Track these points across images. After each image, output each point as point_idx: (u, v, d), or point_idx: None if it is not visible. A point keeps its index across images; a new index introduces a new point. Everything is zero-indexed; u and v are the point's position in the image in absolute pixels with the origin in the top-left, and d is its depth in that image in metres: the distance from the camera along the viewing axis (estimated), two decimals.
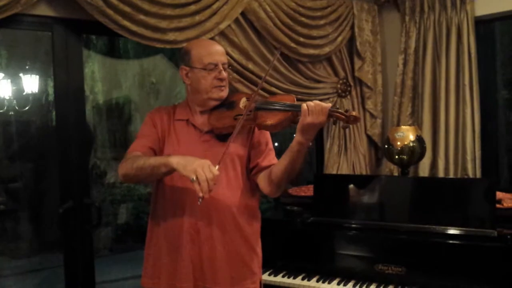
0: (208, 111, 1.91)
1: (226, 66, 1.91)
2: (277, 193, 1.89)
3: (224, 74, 1.88)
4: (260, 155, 1.91)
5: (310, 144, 1.74)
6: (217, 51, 1.90)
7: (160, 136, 1.91)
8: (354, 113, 1.69)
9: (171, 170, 1.69)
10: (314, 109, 1.64)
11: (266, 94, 2.78)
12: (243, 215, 1.89)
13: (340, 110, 1.70)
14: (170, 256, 1.87)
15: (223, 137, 1.87)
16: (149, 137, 1.90)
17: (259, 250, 1.98)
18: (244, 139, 1.91)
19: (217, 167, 1.63)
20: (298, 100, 1.84)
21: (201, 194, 1.58)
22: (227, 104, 1.90)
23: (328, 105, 1.67)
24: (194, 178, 1.58)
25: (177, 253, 1.85)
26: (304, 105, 1.66)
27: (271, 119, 1.77)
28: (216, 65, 1.85)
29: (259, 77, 2.85)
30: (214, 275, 1.84)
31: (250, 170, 1.93)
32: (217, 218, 1.84)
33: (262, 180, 1.89)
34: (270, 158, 1.92)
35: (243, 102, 1.87)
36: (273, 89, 2.91)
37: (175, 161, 1.66)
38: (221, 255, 1.84)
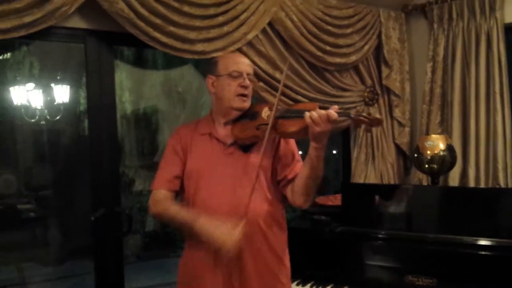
0: (231, 122, 1.93)
1: (251, 77, 1.93)
2: (306, 203, 1.87)
3: (248, 82, 1.90)
4: (287, 168, 1.91)
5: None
6: (243, 62, 1.95)
7: (182, 159, 1.94)
8: (377, 116, 1.69)
9: (197, 233, 1.77)
10: (319, 120, 1.64)
11: (291, 103, 2.79)
12: (270, 226, 1.89)
13: (363, 114, 1.70)
14: (200, 268, 1.88)
15: (246, 148, 1.88)
16: (172, 166, 1.94)
17: (286, 261, 1.98)
18: (268, 150, 1.89)
19: (243, 222, 1.70)
20: (323, 108, 1.82)
21: (226, 259, 1.71)
22: (250, 114, 1.91)
23: (333, 113, 1.64)
24: (222, 249, 1.69)
25: (207, 265, 1.85)
26: (307, 118, 1.65)
27: (293, 126, 1.76)
28: (241, 73, 1.89)
29: (286, 86, 2.86)
30: (243, 286, 1.84)
31: (278, 182, 1.93)
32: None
33: (289, 193, 1.89)
34: (296, 169, 1.91)
35: (265, 111, 1.87)
36: (299, 97, 2.92)
37: (200, 225, 1.76)
38: (250, 267, 1.84)
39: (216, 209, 1.81)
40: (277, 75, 2.82)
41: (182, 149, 1.95)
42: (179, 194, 1.98)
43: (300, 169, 1.90)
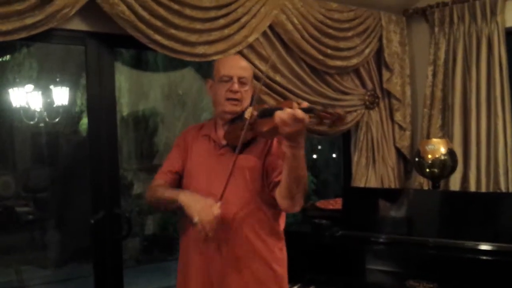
0: (227, 124, 1.94)
1: (245, 80, 1.90)
2: (291, 207, 1.79)
3: (236, 87, 1.87)
4: (275, 171, 1.83)
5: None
6: (235, 65, 1.93)
7: (182, 156, 2.00)
8: (338, 111, 1.58)
9: (180, 206, 1.78)
10: (287, 119, 1.53)
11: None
12: (253, 230, 1.84)
13: (325, 109, 1.58)
14: (183, 275, 1.92)
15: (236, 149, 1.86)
16: (171, 160, 2.02)
17: (277, 267, 1.89)
18: (259, 151, 1.87)
19: (218, 204, 1.71)
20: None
21: (203, 234, 1.70)
22: (240, 116, 1.90)
23: (300, 113, 1.52)
24: (196, 219, 1.69)
25: (188, 271, 1.88)
26: (276, 118, 1.55)
27: (265, 126, 1.68)
28: (230, 77, 1.89)
29: (287, 89, 2.86)
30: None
31: (268, 185, 1.86)
32: (225, 235, 1.80)
33: (277, 197, 1.81)
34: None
35: (248, 111, 1.82)
36: (300, 101, 2.90)
37: (182, 198, 1.79)
38: (232, 273, 1.81)
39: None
40: (278, 78, 2.82)
41: (184, 147, 2.00)
42: None
43: None
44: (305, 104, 1.60)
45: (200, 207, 1.71)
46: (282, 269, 1.91)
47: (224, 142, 1.91)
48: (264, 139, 1.87)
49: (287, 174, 1.69)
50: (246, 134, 1.76)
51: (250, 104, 1.89)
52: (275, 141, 1.89)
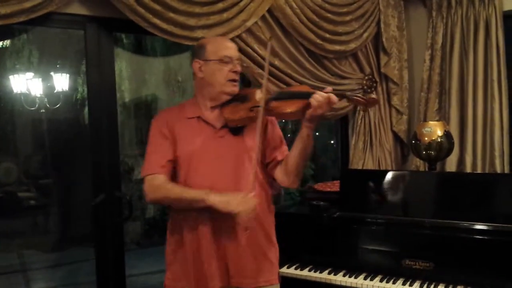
0: (219, 106, 1.92)
1: (240, 62, 1.94)
2: (296, 182, 1.92)
3: (239, 67, 1.91)
4: (276, 150, 1.94)
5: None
6: (232, 47, 1.94)
7: (172, 143, 1.90)
8: (373, 96, 1.74)
9: (210, 206, 1.77)
10: (323, 102, 1.69)
11: (284, 86, 2.81)
12: (261, 207, 1.90)
13: (358, 95, 1.77)
14: (194, 257, 1.88)
15: (237, 130, 1.90)
16: (163, 150, 1.89)
17: (275, 241, 2.02)
18: (255, 133, 1.89)
19: (253, 193, 1.75)
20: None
21: (245, 226, 1.74)
22: (240, 98, 1.91)
23: (335, 97, 1.70)
24: (239, 214, 1.72)
25: (200, 253, 1.87)
26: (313, 100, 1.70)
27: (290, 107, 1.79)
28: (231, 58, 1.88)
29: (285, 73, 2.88)
30: (240, 270, 1.87)
31: (266, 165, 1.96)
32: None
33: (279, 173, 1.93)
34: (284, 151, 1.96)
35: (258, 93, 1.88)
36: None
37: (216, 200, 1.75)
38: (245, 249, 1.87)
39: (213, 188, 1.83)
40: (277, 62, 2.84)
41: (170, 132, 1.91)
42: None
43: (287, 150, 1.96)
44: (329, 89, 1.74)
45: (238, 202, 1.73)
46: (276, 242, 2.03)
47: (220, 124, 1.90)
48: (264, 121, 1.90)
49: (298, 152, 1.84)
50: (263, 116, 1.81)
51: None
52: (269, 123, 1.96)
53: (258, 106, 1.81)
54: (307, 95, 1.75)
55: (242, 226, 1.76)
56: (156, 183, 1.85)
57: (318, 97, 1.69)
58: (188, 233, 1.89)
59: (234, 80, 1.90)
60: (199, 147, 1.87)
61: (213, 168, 1.86)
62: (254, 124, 1.86)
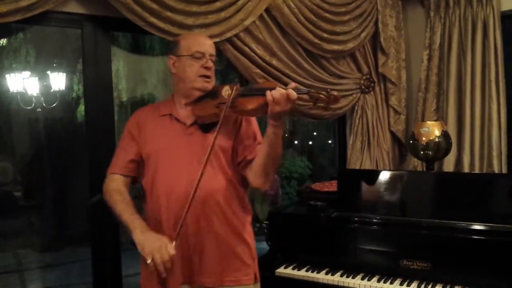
0: (192, 103, 1.90)
1: (213, 58, 1.91)
2: (265, 184, 1.87)
3: (211, 64, 1.88)
4: (247, 149, 1.88)
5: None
6: (206, 43, 1.91)
7: (139, 143, 1.91)
8: (334, 93, 1.66)
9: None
10: (280, 98, 1.63)
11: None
12: (230, 206, 1.88)
13: (318, 91, 1.66)
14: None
15: (206, 127, 1.86)
16: (127, 150, 1.93)
17: (250, 241, 1.96)
18: (229, 130, 1.89)
19: (174, 243, 1.68)
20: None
21: (155, 275, 1.66)
22: (211, 94, 1.89)
23: (293, 93, 1.63)
24: (150, 261, 1.64)
25: None
26: (269, 96, 1.64)
27: (251, 104, 1.73)
28: (203, 53, 1.86)
29: (283, 73, 2.87)
30: (203, 268, 1.83)
31: (238, 164, 1.91)
32: (203, 211, 1.82)
33: (249, 173, 1.87)
34: (256, 151, 1.89)
35: (225, 90, 1.85)
36: (276, 84, 2.91)
37: (137, 237, 1.72)
38: (210, 247, 1.83)
39: (174, 189, 1.81)
40: (274, 62, 2.83)
41: (139, 133, 1.92)
42: (138, 178, 1.98)
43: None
44: (293, 85, 1.68)
45: (155, 247, 1.65)
46: (253, 242, 1.98)
47: (190, 121, 1.88)
48: (232, 119, 1.88)
49: (266, 152, 1.77)
50: (227, 112, 1.77)
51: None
52: (243, 120, 1.92)
53: (224, 103, 1.78)
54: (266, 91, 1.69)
55: (154, 276, 1.70)
56: (110, 187, 1.91)
57: (275, 93, 1.63)
58: (152, 225, 1.83)
59: (206, 76, 1.87)
60: (166, 144, 1.86)
61: (177, 165, 1.83)
62: (226, 121, 1.82)
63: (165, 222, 1.83)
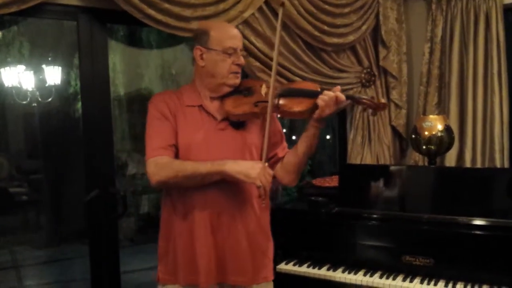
0: (219, 97, 1.84)
1: (243, 52, 1.91)
2: (295, 181, 1.91)
3: (243, 60, 1.84)
4: (277, 146, 1.90)
5: None
6: (237, 35, 1.84)
7: (174, 127, 1.79)
8: (382, 100, 1.76)
9: (227, 177, 1.70)
10: (330, 102, 1.68)
11: (285, 82, 2.76)
12: (259, 205, 1.86)
13: (367, 98, 1.75)
14: (191, 250, 1.80)
15: (238, 125, 1.83)
16: (166, 133, 1.78)
17: (271, 237, 1.98)
18: (258, 128, 1.86)
19: (266, 164, 1.71)
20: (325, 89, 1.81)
21: (263, 196, 1.68)
22: (244, 90, 1.84)
23: (342, 96, 1.69)
24: (259, 183, 1.65)
25: (197, 247, 1.79)
26: (321, 101, 1.69)
27: (298, 106, 1.75)
28: (235, 49, 1.80)
29: (283, 66, 2.83)
30: (237, 267, 1.82)
31: (268, 161, 1.87)
32: (238, 210, 1.81)
33: (280, 171, 1.89)
34: (285, 148, 1.94)
35: (264, 88, 1.80)
36: (296, 78, 2.88)
37: (235, 169, 1.68)
38: (244, 246, 1.82)
39: (218, 186, 1.75)
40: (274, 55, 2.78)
41: (172, 115, 1.80)
42: None
43: (286, 148, 1.93)
44: (338, 88, 1.73)
45: (257, 171, 1.65)
46: (272, 238, 2.00)
47: (220, 116, 1.83)
48: (261, 117, 1.83)
49: (303, 152, 1.82)
50: (271, 112, 1.74)
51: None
52: (270, 117, 1.86)
53: (264, 102, 1.74)
54: (315, 94, 1.71)
55: (262, 198, 1.70)
56: (163, 161, 1.73)
57: (326, 96, 1.68)
58: (182, 222, 1.80)
59: (236, 72, 1.83)
60: (200, 140, 1.78)
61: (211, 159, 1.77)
62: (257, 119, 1.81)
63: (198, 221, 1.79)
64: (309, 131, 1.78)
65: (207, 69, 1.81)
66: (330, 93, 1.68)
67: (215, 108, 1.84)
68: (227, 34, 1.82)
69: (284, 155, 1.90)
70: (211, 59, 1.80)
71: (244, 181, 1.69)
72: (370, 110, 1.79)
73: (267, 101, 1.73)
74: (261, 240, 1.89)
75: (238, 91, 1.84)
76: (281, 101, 1.77)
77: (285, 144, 1.95)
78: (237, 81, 1.84)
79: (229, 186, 1.76)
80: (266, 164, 1.71)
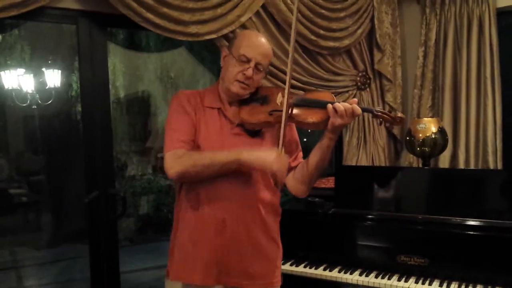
0: (237, 103, 1.84)
1: (262, 67, 1.80)
2: (306, 192, 1.86)
3: (250, 72, 1.76)
4: (290, 156, 1.85)
5: None
6: (258, 48, 1.79)
7: (195, 123, 1.79)
8: (399, 114, 1.71)
9: (245, 166, 1.70)
10: (344, 113, 1.63)
11: (301, 92, 2.77)
12: (269, 213, 1.85)
13: (385, 111, 1.72)
14: (196, 251, 1.80)
15: (254, 133, 1.82)
16: (186, 128, 1.78)
17: (280, 243, 1.95)
18: (273, 136, 1.84)
19: (283, 151, 1.67)
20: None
21: (279, 183, 1.70)
22: (260, 98, 1.82)
23: (358, 109, 1.64)
24: (275, 169, 1.65)
25: (202, 248, 1.79)
26: (330, 110, 1.64)
27: (312, 117, 1.70)
28: (249, 59, 1.76)
29: (280, 70, 2.86)
30: (239, 271, 1.80)
31: None
32: (243, 215, 1.79)
33: (292, 180, 1.85)
34: (299, 158, 1.90)
35: (279, 97, 1.78)
36: (293, 82, 2.91)
37: (251, 157, 1.67)
38: (247, 252, 1.81)
39: (225, 191, 1.76)
40: (272, 59, 2.82)
41: (194, 114, 1.80)
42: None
43: (301, 158, 1.90)
44: (355, 100, 1.68)
45: (273, 157, 1.64)
46: (281, 246, 1.97)
47: (237, 121, 1.82)
48: (277, 126, 1.80)
49: (316, 163, 1.76)
50: (285, 123, 1.71)
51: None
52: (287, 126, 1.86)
53: (279, 111, 1.72)
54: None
55: (278, 185, 1.72)
56: (180, 153, 1.73)
57: (339, 106, 1.63)
58: (188, 223, 1.80)
59: (242, 83, 1.78)
60: (216, 141, 1.78)
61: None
62: (272, 128, 1.80)
63: (208, 219, 1.79)
64: (323, 143, 1.72)
65: (222, 71, 1.86)
66: (345, 104, 1.64)
67: (233, 113, 1.84)
68: (246, 42, 1.80)
69: (297, 165, 1.86)
70: (226, 62, 1.83)
71: (261, 169, 1.68)
72: (387, 124, 1.75)
73: (281, 111, 1.71)
74: (267, 246, 1.86)
75: (255, 99, 1.83)
76: (295, 111, 1.73)
77: (300, 154, 1.91)
78: (242, 91, 1.81)
79: (236, 191, 1.77)
80: (283, 151, 1.67)
